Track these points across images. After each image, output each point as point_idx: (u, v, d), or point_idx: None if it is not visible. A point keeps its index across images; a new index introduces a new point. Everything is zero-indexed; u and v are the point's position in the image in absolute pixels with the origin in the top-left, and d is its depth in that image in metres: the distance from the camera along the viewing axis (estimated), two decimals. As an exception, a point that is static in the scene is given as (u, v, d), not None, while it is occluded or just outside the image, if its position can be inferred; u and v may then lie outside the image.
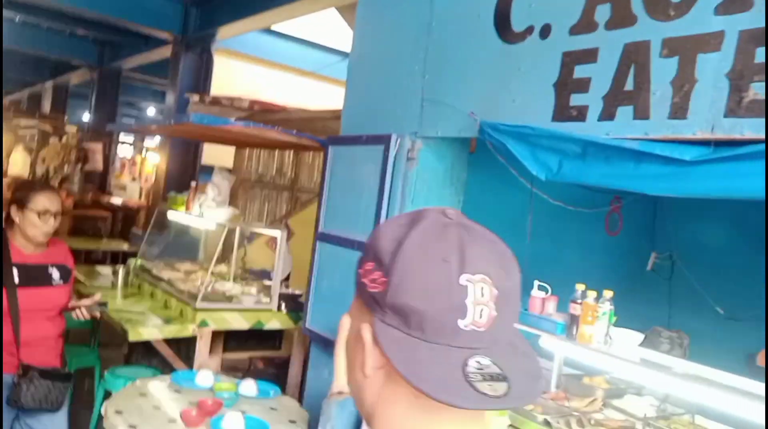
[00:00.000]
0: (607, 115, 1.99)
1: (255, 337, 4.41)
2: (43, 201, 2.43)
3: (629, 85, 1.93)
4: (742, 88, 1.65)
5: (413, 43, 2.81)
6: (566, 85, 2.12)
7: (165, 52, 7.79)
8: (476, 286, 0.67)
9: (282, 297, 3.84)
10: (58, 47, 10.44)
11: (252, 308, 3.76)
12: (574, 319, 2.15)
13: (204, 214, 4.06)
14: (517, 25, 2.33)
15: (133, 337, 3.31)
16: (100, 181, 10.57)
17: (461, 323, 0.67)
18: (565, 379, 2.48)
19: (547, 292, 2.32)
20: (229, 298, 3.77)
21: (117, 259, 6.47)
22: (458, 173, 2.89)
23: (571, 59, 2.11)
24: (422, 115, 2.72)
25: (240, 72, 7.46)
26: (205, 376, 2.78)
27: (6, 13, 8.67)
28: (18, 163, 9.38)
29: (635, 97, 1.91)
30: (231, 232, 4.19)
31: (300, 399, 3.31)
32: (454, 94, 2.57)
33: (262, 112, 4.80)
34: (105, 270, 4.65)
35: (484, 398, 0.65)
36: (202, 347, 3.53)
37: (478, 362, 0.67)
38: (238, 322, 3.68)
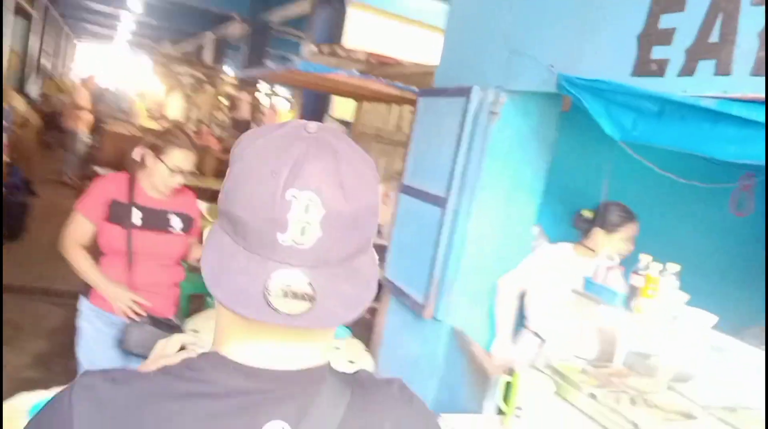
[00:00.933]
0: (688, 70, 1.79)
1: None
2: (178, 158, 2.37)
3: (714, 37, 1.71)
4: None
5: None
6: (649, 36, 1.92)
7: (306, 6, 8.05)
8: (301, 203, 0.65)
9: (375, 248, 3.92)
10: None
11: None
12: (634, 291, 2.00)
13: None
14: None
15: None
16: (246, 128, 11.30)
17: (280, 237, 0.65)
18: (633, 356, 2.33)
19: (614, 260, 2.16)
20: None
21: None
22: (546, 131, 2.75)
23: (659, 7, 1.91)
24: (507, 67, 2.61)
25: (372, 26, 7.52)
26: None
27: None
28: (174, 107, 10.25)
29: (718, 51, 1.69)
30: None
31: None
32: (539, 46, 2.43)
33: (378, 65, 4.84)
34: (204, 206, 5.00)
35: (272, 313, 0.65)
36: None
37: (287, 277, 0.66)
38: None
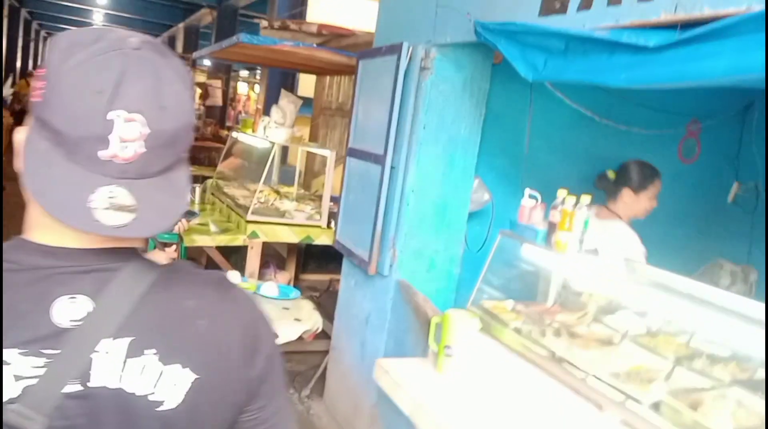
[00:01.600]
0: (586, 4, 1.83)
1: (337, 260, 4.59)
2: None
3: (607, -32, 1.76)
4: (707, -42, 1.46)
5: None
6: (555, -26, 1.97)
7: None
8: (124, 123, 0.68)
9: (333, 215, 3.97)
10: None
11: (302, 223, 3.93)
12: (552, 227, 2.06)
13: (267, 134, 4.25)
14: None
15: (187, 242, 3.60)
16: (220, 116, 11.29)
17: (102, 154, 0.68)
18: (564, 293, 2.40)
19: (537, 200, 2.22)
20: (282, 214, 3.96)
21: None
22: (479, 84, 2.79)
23: (557, -55, 1.95)
24: (435, 22, 2.65)
25: (333, 2, 7.51)
26: (232, 276, 2.99)
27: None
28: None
29: (611, -19, 1.74)
30: (297, 154, 4.36)
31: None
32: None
33: (332, 37, 4.85)
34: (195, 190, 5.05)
35: (98, 224, 0.69)
36: (252, 257, 3.77)
37: (111, 192, 0.69)
38: (288, 236, 3.87)
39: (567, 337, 2.06)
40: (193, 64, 11.23)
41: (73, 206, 0.69)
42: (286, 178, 5.29)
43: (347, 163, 3.21)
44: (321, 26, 4.70)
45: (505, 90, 2.98)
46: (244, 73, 11.69)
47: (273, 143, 4.04)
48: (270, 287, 2.94)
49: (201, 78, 11.27)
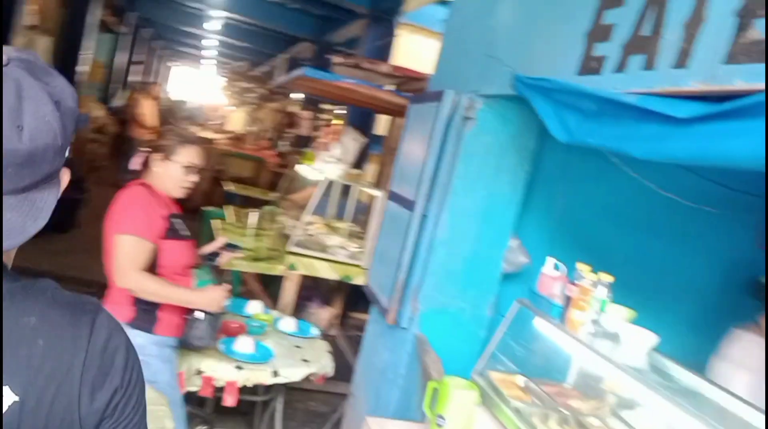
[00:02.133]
0: (621, 66, 1.69)
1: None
2: (189, 154, 2.28)
3: (646, 30, 1.61)
4: (746, 27, 1.29)
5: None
6: (592, 33, 1.84)
7: (360, 27, 8.21)
8: None
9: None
10: (287, 21, 11.53)
11: (343, 261, 3.87)
12: (568, 303, 1.88)
13: (321, 168, 4.26)
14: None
15: (224, 265, 3.62)
16: (306, 144, 11.56)
17: None
18: (582, 376, 2.19)
19: (561, 271, 2.05)
20: (324, 249, 3.93)
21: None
22: (525, 140, 2.66)
23: (603, 3, 1.82)
24: (483, 72, 2.56)
25: (418, 45, 7.57)
26: (254, 306, 2.96)
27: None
28: (235, 121, 10.63)
29: (648, 44, 1.59)
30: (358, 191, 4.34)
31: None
32: (510, 48, 2.38)
33: (405, 79, 4.85)
34: (253, 215, 5.13)
35: None
36: (288, 288, 3.74)
37: None
38: (327, 272, 3.82)
39: (575, 427, 1.86)
40: (286, 95, 11.64)
41: None
42: (358, 213, 5.27)
43: (387, 206, 3.14)
44: (395, 68, 4.70)
45: (557, 150, 2.82)
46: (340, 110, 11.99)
47: (326, 177, 4.03)
48: (288, 322, 2.88)
49: (293, 108, 11.61)
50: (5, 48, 0.72)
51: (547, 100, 1.97)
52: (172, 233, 2.23)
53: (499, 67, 2.44)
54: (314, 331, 2.94)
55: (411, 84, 4.82)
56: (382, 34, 7.44)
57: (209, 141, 10.75)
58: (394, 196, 3.04)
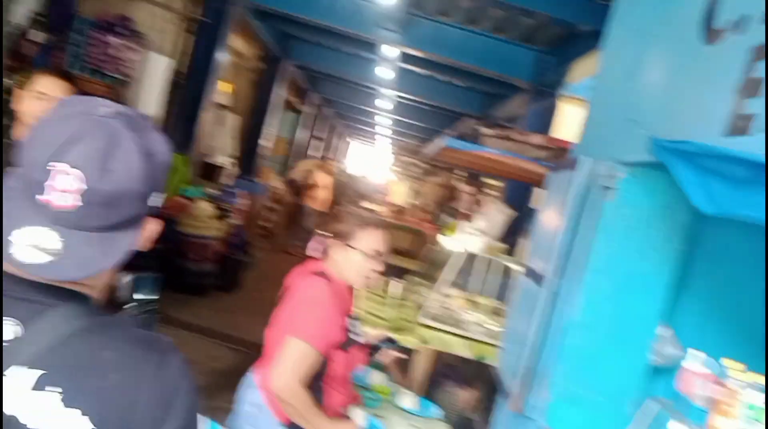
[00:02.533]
0: (774, 123, 1.41)
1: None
2: (374, 239, 2.02)
3: (806, 81, 1.34)
4: None
5: (627, 59, 2.43)
6: (743, 88, 1.57)
7: (521, 102, 8.15)
8: (60, 175, 0.77)
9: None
10: (454, 99, 11.82)
11: (479, 339, 3.67)
12: (711, 405, 1.54)
13: (461, 239, 4.14)
14: (719, 20, 1.82)
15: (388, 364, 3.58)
16: (467, 219, 11.53)
17: (39, 198, 0.78)
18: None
19: (711, 370, 1.71)
20: (459, 324, 3.76)
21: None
22: (675, 214, 2.34)
23: (756, 53, 1.56)
24: (623, 137, 2.33)
25: (579, 118, 7.28)
26: (376, 376, 2.86)
27: (414, 68, 10.23)
28: (399, 194, 10.92)
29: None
30: (502, 265, 4.16)
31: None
32: (651, 110, 2.14)
33: (559, 151, 4.64)
34: (396, 284, 5.12)
35: (10, 257, 0.77)
36: (417, 361, 3.60)
37: (37, 232, 0.77)
38: (460, 349, 3.64)
39: None
40: (450, 170, 11.78)
41: (5, 232, 0.77)
42: (504, 290, 5.06)
43: (520, 281, 2.93)
44: (548, 139, 4.52)
45: (717, 225, 2.46)
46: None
47: (465, 249, 3.90)
48: (407, 397, 2.73)
49: (455, 182, 11.71)
50: (113, 106, 0.85)
51: (689, 166, 1.71)
52: (347, 344, 2.02)
53: (642, 133, 2.20)
54: (435, 412, 2.75)
55: (564, 155, 4.60)
56: (544, 107, 7.29)
57: (373, 213, 11.15)
58: (528, 271, 2.83)
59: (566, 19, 5.76)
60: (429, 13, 7.41)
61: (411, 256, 9.29)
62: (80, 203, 0.78)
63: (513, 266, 4.10)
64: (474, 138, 10.18)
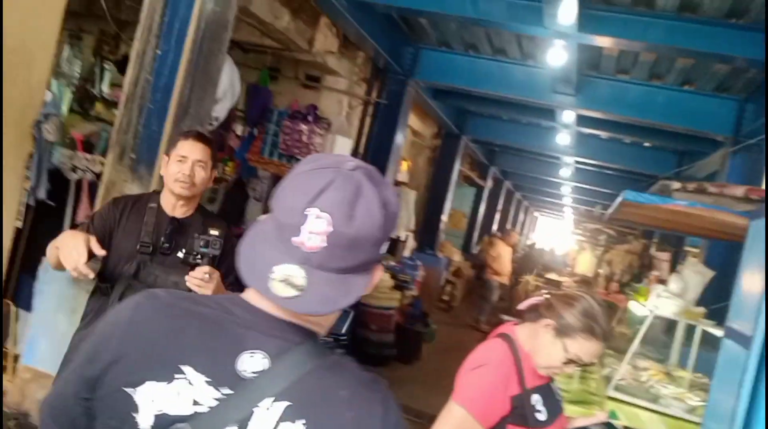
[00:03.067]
0: None
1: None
2: (585, 349, 1.81)
3: None
4: None
5: None
6: None
7: (721, 157, 7.39)
8: (314, 219, 0.87)
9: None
10: (641, 161, 11.09)
11: (677, 416, 3.22)
12: None
13: (656, 304, 3.75)
14: None
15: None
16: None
17: (294, 239, 0.88)
18: None
19: None
20: (654, 398, 3.34)
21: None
22: None
23: None
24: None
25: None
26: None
27: (594, 131, 9.84)
28: (584, 264, 10.31)
29: None
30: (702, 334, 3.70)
31: None
32: None
33: (763, 202, 4.08)
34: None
35: (269, 291, 0.87)
36: (605, 439, 3.23)
37: (290, 270, 0.87)
38: (655, 426, 3.21)
39: None
40: (645, 236, 10.93)
41: (259, 273, 0.89)
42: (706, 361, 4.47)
43: (722, 346, 2.54)
44: (749, 190, 4.01)
45: None
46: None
47: (653, 313, 3.51)
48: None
49: (656, 251, 10.81)
50: (356, 161, 0.95)
51: None
52: (517, 419, 1.80)
53: None
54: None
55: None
56: (749, 161, 6.53)
57: (558, 284, 10.62)
58: (730, 333, 2.45)
59: (762, 60, 5.18)
60: (607, 73, 7.15)
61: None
62: (325, 244, 0.87)
63: (713, 331, 3.58)
64: (662, 194, 9.43)
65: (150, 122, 3.53)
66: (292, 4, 5.65)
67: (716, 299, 4.62)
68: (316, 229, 0.87)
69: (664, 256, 10.48)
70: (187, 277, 2.07)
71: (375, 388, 0.94)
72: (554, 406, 1.89)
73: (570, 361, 1.81)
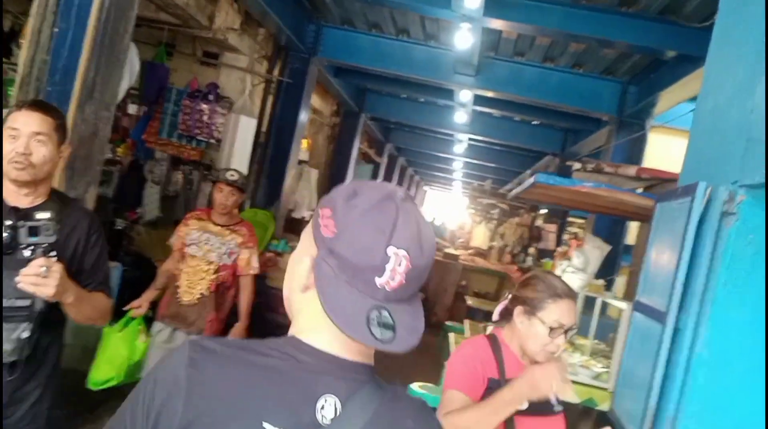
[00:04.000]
0: None
1: None
2: (560, 311, 1.87)
3: None
4: None
5: (740, 77, 2.30)
6: None
7: (605, 135, 7.93)
8: (397, 258, 0.87)
9: (626, 379, 3.42)
10: (531, 138, 11.66)
11: (586, 383, 3.47)
12: None
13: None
14: None
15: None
16: (550, 257, 11.17)
17: (377, 280, 0.88)
18: None
19: None
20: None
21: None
22: (808, 236, 2.15)
23: None
24: (745, 158, 2.18)
25: (675, 148, 6.97)
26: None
27: (488, 110, 10.21)
28: (479, 237, 10.75)
29: None
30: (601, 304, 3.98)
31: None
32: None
33: (655, 182, 4.44)
34: (490, 329, 4.97)
35: (372, 338, 0.86)
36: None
37: (379, 312, 0.87)
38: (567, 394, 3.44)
39: None
40: (529, 209, 11.54)
41: (355, 321, 0.87)
42: (604, 330, 4.82)
43: (632, 319, 2.76)
44: (640, 170, 4.35)
45: None
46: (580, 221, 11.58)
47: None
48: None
49: (537, 222, 11.47)
50: (397, 188, 0.95)
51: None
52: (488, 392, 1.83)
53: (764, 152, 2.06)
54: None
55: (663, 187, 4.39)
56: (631, 139, 7.06)
57: (455, 257, 11.01)
58: (640, 307, 2.67)
59: (650, 46, 5.59)
60: (505, 55, 7.42)
61: (497, 300, 9.09)
62: (404, 280, 0.89)
63: (619, 304, 3.89)
64: (561, 174, 9.99)
65: (49, 106, 3.26)
66: (192, -22, 5.37)
67: (604, 270, 5.02)
68: (400, 269, 0.88)
69: (551, 228, 11.17)
70: (17, 278, 1.70)
71: (429, 412, 1.00)
72: (543, 406, 1.89)
73: (554, 331, 1.85)
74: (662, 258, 2.54)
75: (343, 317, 0.87)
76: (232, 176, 3.72)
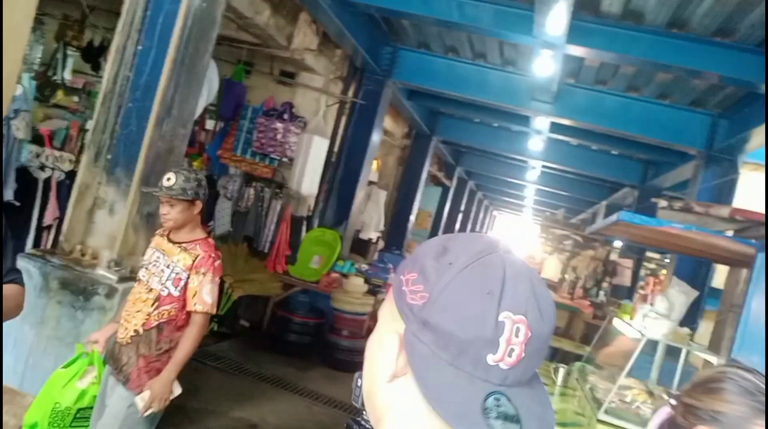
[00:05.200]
0: None
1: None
2: None
3: None
4: None
5: None
6: None
7: (690, 169, 7.50)
8: (513, 326, 0.68)
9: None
10: (608, 168, 11.23)
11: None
12: None
13: (642, 324, 3.72)
14: None
15: None
16: (628, 295, 10.66)
17: (490, 358, 0.68)
18: None
19: None
20: (642, 421, 3.31)
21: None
22: None
23: None
24: None
25: (768, 187, 6.50)
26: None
27: (565, 138, 9.92)
28: (550, 268, 10.39)
29: None
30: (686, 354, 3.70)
31: None
32: None
33: (750, 224, 4.11)
34: (561, 371, 4.70)
35: None
36: (595, 464, 3.19)
37: (497, 399, 0.68)
38: (646, 451, 3.17)
39: None
40: (604, 242, 11.10)
41: (469, 415, 0.67)
42: (687, 378, 4.50)
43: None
44: (734, 211, 4.03)
45: None
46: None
47: (644, 336, 3.48)
48: None
49: (612, 256, 10.99)
50: (486, 235, 0.77)
51: None
52: None
53: None
54: None
55: (758, 229, 4.06)
56: (720, 175, 6.63)
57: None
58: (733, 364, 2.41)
59: (745, 79, 5.24)
60: (586, 83, 7.16)
61: (567, 336, 8.69)
62: (523, 354, 0.69)
63: (710, 358, 3.58)
64: (641, 207, 9.53)
65: (129, 122, 3.32)
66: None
67: (688, 315, 4.67)
68: (517, 339, 0.68)
69: (627, 263, 10.67)
70: None
71: None
72: None
73: None
74: (762, 313, 2.29)
75: (453, 409, 0.67)
76: (168, 181, 2.78)
